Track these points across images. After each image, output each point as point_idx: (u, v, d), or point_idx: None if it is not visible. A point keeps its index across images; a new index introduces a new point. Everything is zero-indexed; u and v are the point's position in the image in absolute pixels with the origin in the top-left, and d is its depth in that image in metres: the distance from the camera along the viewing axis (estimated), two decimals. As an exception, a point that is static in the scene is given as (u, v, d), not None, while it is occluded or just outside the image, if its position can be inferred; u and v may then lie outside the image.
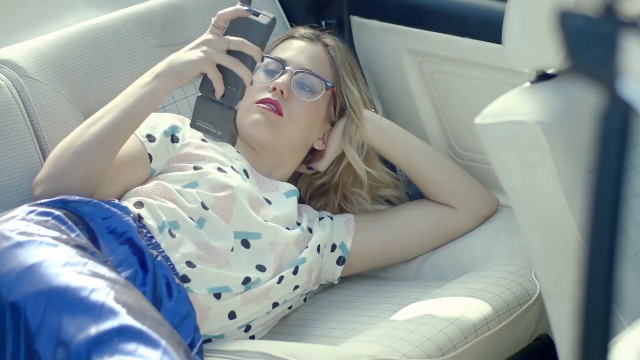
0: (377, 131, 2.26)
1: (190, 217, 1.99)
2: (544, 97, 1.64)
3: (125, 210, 1.93)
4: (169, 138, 2.09)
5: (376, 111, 2.29)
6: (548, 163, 1.58)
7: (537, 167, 1.59)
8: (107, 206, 1.92)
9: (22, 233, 1.75)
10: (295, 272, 2.09)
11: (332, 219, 2.23)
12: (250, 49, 1.89)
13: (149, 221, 1.95)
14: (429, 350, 1.88)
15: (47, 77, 2.15)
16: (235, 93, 1.90)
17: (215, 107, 1.91)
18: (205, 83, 1.91)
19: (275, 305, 2.07)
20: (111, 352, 1.56)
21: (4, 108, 2.09)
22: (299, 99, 2.17)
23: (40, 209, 1.83)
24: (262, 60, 2.07)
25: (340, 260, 2.22)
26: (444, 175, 2.29)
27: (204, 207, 2.01)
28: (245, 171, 2.13)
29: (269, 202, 2.13)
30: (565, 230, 1.59)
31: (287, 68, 2.19)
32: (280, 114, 2.14)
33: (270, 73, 2.19)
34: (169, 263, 1.93)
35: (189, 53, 1.91)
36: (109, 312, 1.60)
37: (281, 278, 2.06)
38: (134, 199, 1.99)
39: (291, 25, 2.48)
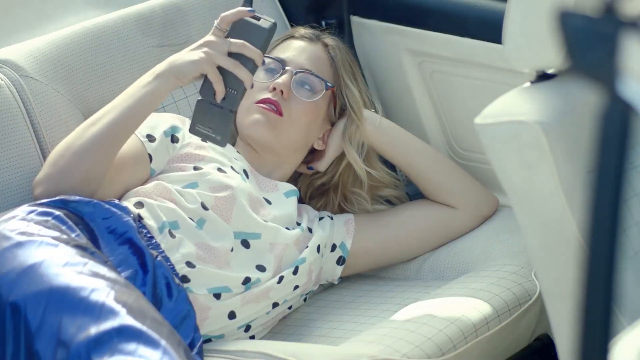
0: (377, 131, 2.26)
1: (190, 218, 1.99)
2: (544, 97, 1.64)
3: (126, 210, 1.93)
4: (169, 138, 2.09)
5: (376, 111, 2.29)
6: (548, 163, 1.58)
7: (537, 167, 1.59)
8: (107, 206, 1.92)
9: (22, 233, 1.75)
10: (295, 272, 2.09)
11: (332, 219, 2.23)
12: (252, 52, 1.89)
13: (149, 221, 1.95)
14: (429, 350, 1.88)
15: (47, 77, 2.15)
16: (235, 96, 1.90)
17: (215, 110, 1.90)
18: (206, 86, 1.91)
19: (275, 305, 2.07)
20: (111, 352, 1.56)
21: (4, 108, 2.09)
22: (299, 99, 2.17)
23: (40, 209, 1.83)
24: (263, 63, 2.08)
25: (340, 260, 2.22)
26: (444, 175, 2.29)
27: (204, 207, 2.01)
28: (245, 171, 2.13)
29: (268, 202, 2.13)
30: (565, 230, 1.59)
31: (287, 68, 2.19)
32: (280, 114, 2.14)
33: (270, 73, 2.19)
34: (168, 263, 1.93)
35: (190, 54, 1.91)
36: (109, 312, 1.61)
37: (281, 278, 2.06)
38: (134, 199, 1.99)
39: (291, 25, 2.48)
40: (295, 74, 2.19)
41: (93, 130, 1.94)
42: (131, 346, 1.57)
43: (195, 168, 2.06)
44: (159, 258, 1.91)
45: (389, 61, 2.46)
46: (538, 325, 2.07)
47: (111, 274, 1.70)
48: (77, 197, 1.90)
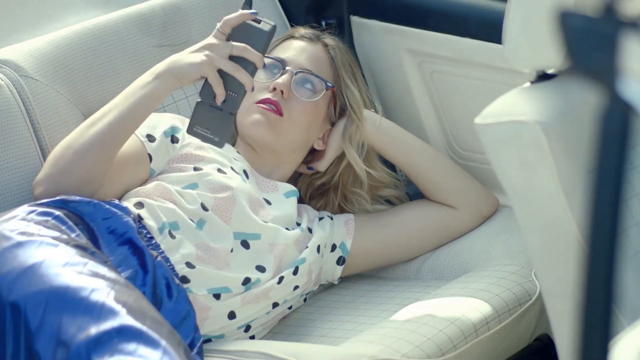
0: (377, 131, 2.26)
1: (190, 219, 1.99)
2: (544, 97, 1.64)
3: (126, 210, 1.93)
4: (169, 138, 2.08)
5: (376, 111, 2.29)
6: (548, 163, 1.58)
7: (537, 167, 1.59)
8: (107, 206, 1.92)
9: (23, 233, 1.75)
10: (295, 273, 2.09)
11: (332, 219, 2.23)
12: (253, 55, 1.89)
13: (149, 222, 1.95)
14: (429, 350, 1.88)
15: (47, 77, 2.15)
16: (235, 99, 1.90)
17: (214, 113, 1.90)
18: (206, 88, 1.90)
19: (275, 305, 2.07)
20: (111, 352, 1.56)
21: (4, 108, 2.09)
22: (299, 99, 2.17)
23: (40, 209, 1.83)
24: (264, 66, 2.08)
25: (340, 260, 2.22)
26: (443, 175, 2.29)
27: (204, 208, 2.01)
28: (245, 172, 2.13)
29: (268, 202, 2.13)
30: (565, 230, 1.59)
31: (287, 68, 2.19)
32: (281, 114, 2.14)
33: (271, 73, 2.19)
34: (168, 264, 1.93)
35: (191, 55, 1.91)
36: (109, 312, 1.61)
37: (281, 278, 2.06)
38: (135, 200, 1.99)
39: (291, 26, 2.48)
40: (296, 74, 2.19)
41: (93, 130, 1.94)
42: (131, 346, 1.57)
43: (195, 169, 2.06)
44: (159, 258, 1.91)
45: (389, 61, 2.46)
46: (538, 325, 2.07)
47: (111, 274, 1.70)
48: (78, 197, 1.90)
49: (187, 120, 2.02)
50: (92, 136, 1.93)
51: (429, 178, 2.29)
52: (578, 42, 0.94)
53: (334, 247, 2.20)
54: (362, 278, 2.29)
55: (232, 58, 1.89)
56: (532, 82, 1.69)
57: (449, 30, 2.33)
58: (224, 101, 1.89)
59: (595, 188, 0.93)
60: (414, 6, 2.40)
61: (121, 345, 1.57)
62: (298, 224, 2.15)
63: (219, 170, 2.07)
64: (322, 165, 2.26)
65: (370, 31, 2.47)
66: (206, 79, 1.89)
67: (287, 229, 2.11)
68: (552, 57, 1.62)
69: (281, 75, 2.18)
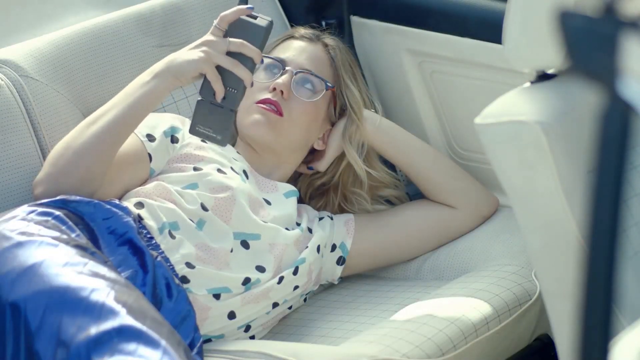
0: (377, 131, 2.26)
1: (190, 219, 1.99)
2: (544, 97, 1.64)
3: (126, 210, 1.93)
4: (169, 138, 2.08)
5: (376, 111, 2.29)
6: (548, 163, 1.58)
7: (537, 167, 1.59)
8: (107, 206, 1.92)
9: (23, 233, 1.75)
10: (295, 273, 2.09)
11: (332, 219, 2.23)
12: (250, 50, 1.89)
13: (149, 222, 1.95)
14: (429, 350, 1.88)
15: (47, 77, 2.15)
16: (235, 95, 1.89)
17: (215, 110, 1.89)
18: (206, 86, 1.90)
19: (275, 305, 2.07)
20: (111, 352, 1.56)
21: (4, 108, 2.08)
22: (299, 99, 2.17)
23: (40, 209, 1.83)
24: (262, 62, 2.08)
25: (340, 261, 2.22)
26: (443, 175, 2.29)
27: (204, 208, 2.01)
28: (244, 172, 2.13)
29: (268, 202, 2.12)
30: (565, 230, 1.59)
31: (287, 68, 2.19)
32: (281, 114, 2.14)
33: (271, 73, 2.19)
34: (168, 264, 1.93)
35: (188, 53, 1.91)
36: (109, 312, 1.61)
37: (281, 278, 2.06)
38: (135, 200, 1.99)
39: (291, 26, 2.48)
40: (296, 74, 2.19)
41: (93, 130, 1.94)
42: (131, 346, 1.57)
43: (195, 169, 2.06)
44: (159, 259, 1.91)
45: (389, 61, 2.46)
46: (538, 325, 2.07)
47: (111, 274, 1.70)
48: (78, 197, 1.90)
49: (187, 121, 2.02)
50: (91, 135, 1.93)
51: (428, 178, 2.29)
52: (578, 42, 0.94)
53: (333, 247, 2.20)
54: (362, 278, 2.29)
55: (230, 54, 1.89)
56: (532, 82, 1.69)
57: (449, 30, 2.33)
58: (224, 98, 1.89)
59: (595, 188, 0.93)
60: (414, 6, 2.40)
61: (121, 345, 1.57)
62: (298, 224, 2.15)
63: (219, 170, 2.07)
64: (321, 165, 2.26)
65: (370, 31, 2.47)
66: (205, 77, 1.89)
67: (286, 229, 2.11)
68: (552, 57, 1.62)
69: (281, 75, 2.18)
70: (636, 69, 0.91)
